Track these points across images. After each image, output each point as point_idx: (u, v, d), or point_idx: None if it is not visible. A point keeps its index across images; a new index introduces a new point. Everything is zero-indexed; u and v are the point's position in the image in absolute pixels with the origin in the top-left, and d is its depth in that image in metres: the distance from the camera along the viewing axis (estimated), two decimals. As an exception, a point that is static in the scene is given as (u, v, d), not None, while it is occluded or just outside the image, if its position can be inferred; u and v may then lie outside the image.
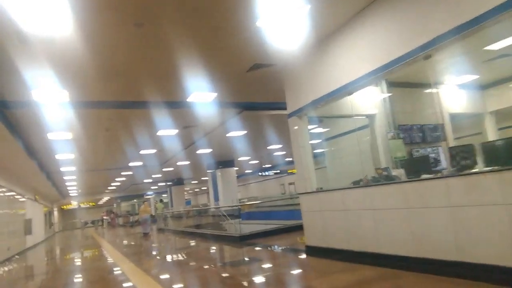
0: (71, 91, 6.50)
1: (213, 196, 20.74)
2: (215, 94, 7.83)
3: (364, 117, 7.49)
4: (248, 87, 7.83)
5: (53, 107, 7.04)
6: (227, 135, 12.32)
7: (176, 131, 10.98)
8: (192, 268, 6.84)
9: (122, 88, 6.94)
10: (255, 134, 12.95)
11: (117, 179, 24.04)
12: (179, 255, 8.93)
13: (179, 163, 18.71)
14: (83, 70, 5.73)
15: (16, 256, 13.26)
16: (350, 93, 5.58)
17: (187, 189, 40.78)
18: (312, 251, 6.14)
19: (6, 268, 10.43)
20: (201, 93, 7.70)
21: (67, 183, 22.29)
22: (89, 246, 15.56)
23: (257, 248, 7.94)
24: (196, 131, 11.43)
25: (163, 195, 39.54)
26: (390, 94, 7.44)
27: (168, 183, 30.14)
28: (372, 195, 4.95)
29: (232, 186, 19.97)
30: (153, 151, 14.25)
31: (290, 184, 29.95)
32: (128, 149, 13.21)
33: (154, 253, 10.42)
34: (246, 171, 29.12)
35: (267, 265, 6.30)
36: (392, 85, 7.55)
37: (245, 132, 12.23)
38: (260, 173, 25.40)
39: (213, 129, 11.42)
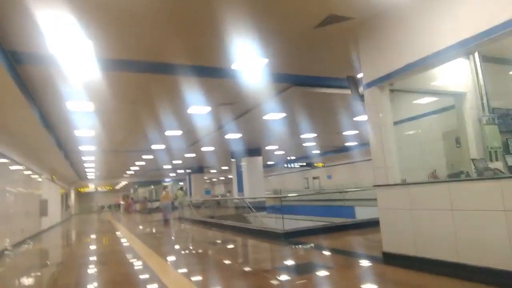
0: (97, 42, 5.25)
1: (236, 186, 19.54)
2: (265, 61, 6.48)
3: (450, 95, 6.05)
4: (307, 52, 6.44)
5: (74, 63, 5.80)
6: (263, 117, 10.97)
7: (209, 109, 9.69)
8: (238, 272, 5.54)
9: (157, 45, 5.66)
10: (294, 118, 11.54)
11: (137, 163, 23.07)
12: (215, 252, 7.70)
13: (203, 149, 17.50)
14: (113, 13, 4.46)
15: (29, 240, 12.34)
16: (469, 53, 4.17)
17: (205, 178, 39.76)
18: (393, 259, 4.77)
19: (16, 253, 9.43)
20: (250, 59, 6.37)
21: (85, 164, 21.43)
22: (106, 232, 14.56)
23: (313, 250, 6.51)
24: (231, 110, 10.11)
25: (180, 183, 38.73)
26: (483, 70, 5.98)
27: (188, 171, 29.12)
28: (503, 192, 3.53)
29: (258, 176, 18.69)
30: (179, 132, 13.03)
31: (315, 178, 28.53)
32: (153, 128, 12.02)
33: (183, 248, 9.21)
34: (268, 162, 27.76)
35: (345, 277, 4.73)
36: (485, 59, 6.09)
37: (284, 115, 10.85)
38: (286, 165, 23.99)
39: (251, 109, 10.09)
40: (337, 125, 13.65)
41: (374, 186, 5.08)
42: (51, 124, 10.20)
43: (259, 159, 18.92)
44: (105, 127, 11.13)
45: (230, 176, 45.21)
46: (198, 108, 9.59)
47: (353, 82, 6.71)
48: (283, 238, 7.64)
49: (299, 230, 7.92)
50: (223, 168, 32.07)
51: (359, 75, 6.92)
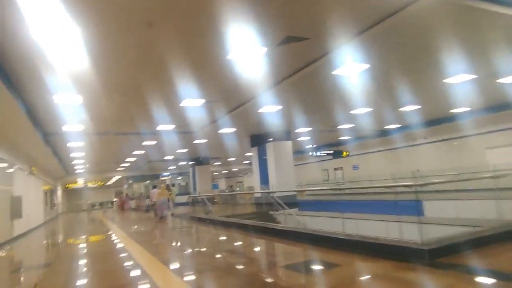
0: None
1: (259, 177, 16.02)
2: None
3: None
4: None
5: None
6: (333, 72, 7.48)
7: (264, 50, 6.18)
8: None
9: None
10: (375, 74, 8.01)
11: (134, 153, 19.32)
12: None
13: (221, 131, 13.92)
14: None
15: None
16: None
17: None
18: None
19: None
20: None
21: (72, 154, 17.68)
22: (102, 239, 10.99)
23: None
24: (292, 53, 6.62)
25: (177, 178, 34.92)
26: None
27: (191, 163, 25.48)
28: None
29: (288, 166, 15.21)
30: (200, 102, 9.44)
31: (337, 169, 25.12)
32: (168, 93, 8.45)
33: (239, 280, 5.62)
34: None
35: None
36: None
37: (366, 67, 7.35)
38: (311, 153, 20.53)
39: (321, 56, 6.60)
40: (411, 93, 10.17)
41: None
42: (21, 83, 6.56)
43: (288, 144, 15.45)
44: (100, 87, 7.50)
45: (234, 169, 41.55)
46: (246, 49, 6.07)
47: None
48: (428, 260, 4.18)
49: (450, 244, 4.45)
50: (229, 159, 28.48)
51: None
